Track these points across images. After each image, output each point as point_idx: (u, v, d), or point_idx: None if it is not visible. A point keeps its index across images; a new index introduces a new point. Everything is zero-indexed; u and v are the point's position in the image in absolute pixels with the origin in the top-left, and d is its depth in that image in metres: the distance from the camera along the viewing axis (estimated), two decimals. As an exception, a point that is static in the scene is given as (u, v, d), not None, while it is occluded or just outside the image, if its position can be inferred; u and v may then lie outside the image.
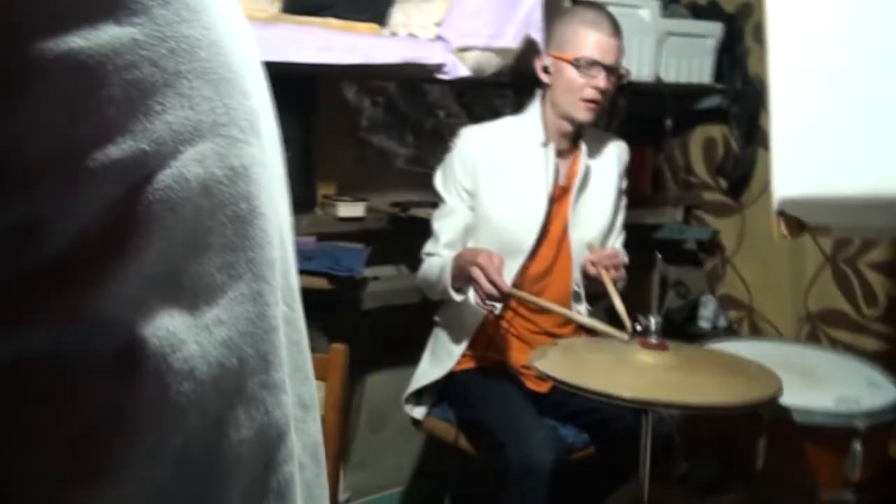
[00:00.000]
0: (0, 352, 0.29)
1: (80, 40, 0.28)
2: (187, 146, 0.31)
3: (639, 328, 1.70)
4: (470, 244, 2.22)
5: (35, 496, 0.30)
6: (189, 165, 0.31)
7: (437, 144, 2.61)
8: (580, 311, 2.25)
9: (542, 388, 2.21)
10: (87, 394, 0.30)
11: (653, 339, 1.69)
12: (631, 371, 1.63)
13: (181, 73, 0.31)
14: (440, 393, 2.27)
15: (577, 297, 2.26)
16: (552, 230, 2.23)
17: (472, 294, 2.06)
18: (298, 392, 0.39)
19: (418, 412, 2.30)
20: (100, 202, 0.29)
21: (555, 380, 1.53)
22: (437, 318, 2.33)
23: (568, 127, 2.22)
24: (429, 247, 2.23)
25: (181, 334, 0.31)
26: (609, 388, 1.50)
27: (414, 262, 2.31)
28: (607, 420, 2.09)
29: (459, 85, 2.61)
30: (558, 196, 2.25)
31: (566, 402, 2.14)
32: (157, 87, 0.30)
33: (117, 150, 0.29)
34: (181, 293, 0.32)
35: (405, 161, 2.64)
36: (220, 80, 0.33)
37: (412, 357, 2.34)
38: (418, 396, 2.30)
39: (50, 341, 0.29)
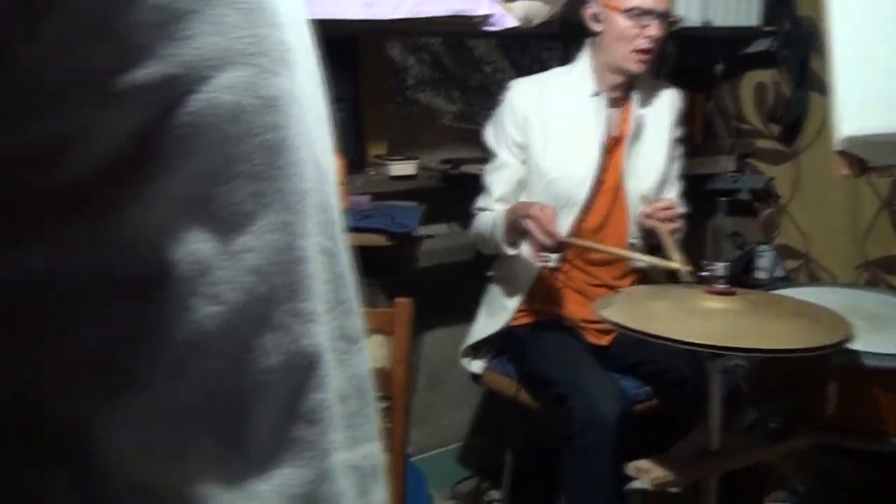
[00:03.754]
0: (22, 267, 0.29)
1: None
2: (216, 72, 0.31)
3: (705, 274, 1.67)
4: (523, 198, 2.20)
5: (57, 408, 0.31)
6: (218, 92, 0.31)
7: (484, 100, 2.58)
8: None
9: (603, 340, 2.19)
10: (111, 313, 0.31)
11: (720, 285, 1.66)
12: (699, 317, 1.61)
13: (211, 0, 0.31)
14: (499, 348, 2.27)
15: (633, 250, 2.23)
16: (607, 182, 2.20)
17: (525, 247, 2.04)
18: (341, 324, 0.39)
19: (476, 366, 2.30)
20: (126, 125, 0.30)
21: (625, 328, 1.51)
22: (490, 273, 2.32)
23: (619, 78, 2.18)
24: (481, 201, 2.22)
25: (209, 260, 0.32)
26: (680, 335, 1.48)
27: (466, 219, 2.30)
28: (669, 370, 2.07)
29: (505, 38, 2.57)
30: (611, 147, 2.21)
31: (627, 354, 2.12)
32: (186, 13, 0.30)
33: (144, 74, 0.29)
34: (210, 219, 0.32)
35: (453, 118, 2.61)
36: (249, 10, 0.32)
37: (467, 314, 2.34)
38: (475, 351, 2.30)
39: (74, 260, 0.30)
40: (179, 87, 0.30)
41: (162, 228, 0.31)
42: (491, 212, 2.16)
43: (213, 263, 0.32)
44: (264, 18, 0.33)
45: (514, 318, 2.22)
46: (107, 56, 0.29)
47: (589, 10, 2.16)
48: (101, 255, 0.30)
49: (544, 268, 2.16)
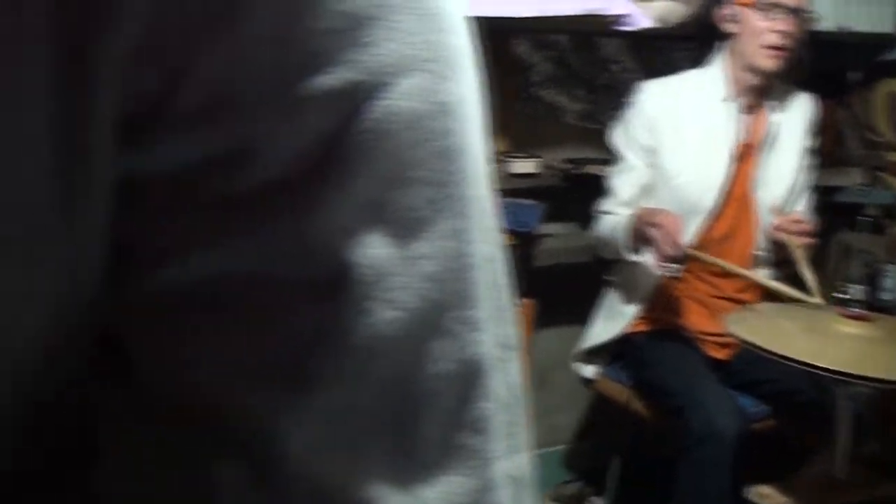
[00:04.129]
0: (217, 269, 0.30)
1: None
2: (395, 79, 0.31)
3: (841, 296, 1.62)
4: (648, 204, 2.16)
5: (243, 407, 0.32)
6: (397, 98, 0.31)
7: (611, 99, 2.55)
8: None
9: (721, 354, 2.15)
10: (293, 314, 0.31)
11: (855, 309, 1.60)
12: (832, 341, 1.56)
13: (389, 6, 0.31)
14: (614, 354, 2.25)
15: (759, 262, 2.17)
16: (736, 190, 2.15)
17: (648, 255, 2.01)
18: (499, 333, 0.38)
19: (589, 371, 2.28)
20: (310, 131, 0.30)
21: (754, 346, 1.48)
22: (610, 278, 2.30)
23: (753, 79, 2.13)
24: (605, 204, 2.19)
25: (386, 265, 0.32)
26: (812, 358, 1.44)
27: (586, 219, 2.28)
28: (791, 392, 2.01)
29: (635, 38, 2.53)
30: (742, 154, 2.16)
31: (747, 370, 2.07)
32: (367, 19, 0.30)
33: (326, 80, 0.30)
34: (387, 225, 0.32)
35: (576, 117, 2.59)
36: (424, 15, 0.33)
37: (579, 316, 2.32)
38: (589, 356, 2.29)
39: (265, 262, 0.31)
40: (361, 93, 0.31)
41: (343, 232, 0.31)
42: (614, 215, 2.14)
43: (390, 269, 0.32)
44: (436, 23, 0.33)
45: (632, 326, 2.19)
46: (290, 62, 0.29)
47: (722, 12, 2.13)
48: (289, 257, 0.31)
49: (665, 276, 2.12)
